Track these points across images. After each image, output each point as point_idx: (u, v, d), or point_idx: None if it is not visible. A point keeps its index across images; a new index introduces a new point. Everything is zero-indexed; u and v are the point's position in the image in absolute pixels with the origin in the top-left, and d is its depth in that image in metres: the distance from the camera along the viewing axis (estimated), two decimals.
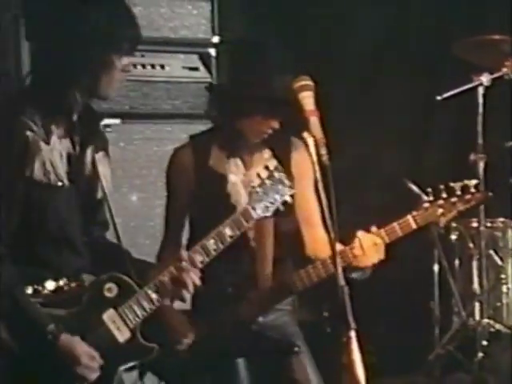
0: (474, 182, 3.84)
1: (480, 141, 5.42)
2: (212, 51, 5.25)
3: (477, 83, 5.42)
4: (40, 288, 3.31)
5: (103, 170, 3.50)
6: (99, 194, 3.49)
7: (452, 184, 3.80)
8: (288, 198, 3.53)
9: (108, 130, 5.08)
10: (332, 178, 3.23)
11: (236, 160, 3.96)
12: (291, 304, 3.98)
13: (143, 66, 5.18)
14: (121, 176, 5.03)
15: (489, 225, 5.56)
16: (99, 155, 3.51)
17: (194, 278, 3.39)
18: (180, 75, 5.23)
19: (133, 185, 5.08)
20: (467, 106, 5.45)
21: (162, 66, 5.22)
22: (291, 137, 3.93)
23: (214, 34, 5.28)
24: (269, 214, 3.52)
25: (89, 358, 3.26)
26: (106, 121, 5.09)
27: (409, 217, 3.80)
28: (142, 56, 5.17)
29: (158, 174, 4.91)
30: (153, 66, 5.20)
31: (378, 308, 5.30)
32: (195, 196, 3.95)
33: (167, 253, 3.98)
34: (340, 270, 3.30)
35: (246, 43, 4.08)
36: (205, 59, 5.26)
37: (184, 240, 4.04)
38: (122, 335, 3.35)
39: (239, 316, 3.84)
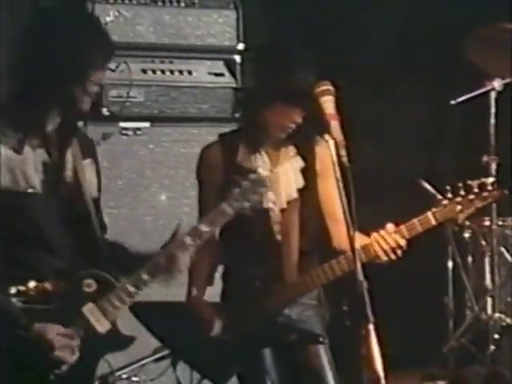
0: (490, 179, 3.82)
1: (492, 142, 5.41)
2: (237, 58, 5.26)
3: (489, 88, 5.41)
4: (23, 288, 3.33)
5: (90, 175, 3.52)
6: (84, 199, 3.49)
7: (470, 182, 3.78)
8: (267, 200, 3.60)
9: (138, 132, 5.11)
10: (351, 178, 3.24)
11: (262, 155, 3.95)
12: (316, 299, 3.97)
13: (171, 72, 5.19)
14: (150, 176, 5.04)
15: (500, 223, 5.55)
16: (86, 162, 3.53)
17: (186, 258, 3.45)
18: (206, 81, 5.24)
19: (161, 185, 5.08)
20: (480, 109, 5.42)
21: (190, 72, 5.22)
22: (315, 134, 3.92)
23: (238, 41, 5.28)
24: (246, 211, 3.54)
25: (64, 338, 3.27)
26: (137, 124, 5.12)
27: (429, 213, 3.79)
28: (171, 62, 5.20)
29: (186, 174, 4.93)
30: (181, 72, 5.21)
31: (394, 302, 5.29)
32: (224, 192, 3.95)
33: (199, 248, 3.98)
34: (359, 265, 3.30)
35: (270, 45, 4.10)
36: (230, 65, 5.26)
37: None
38: (102, 327, 3.36)
39: (266, 308, 3.84)
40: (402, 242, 3.75)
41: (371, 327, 3.19)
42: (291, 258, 3.91)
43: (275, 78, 3.83)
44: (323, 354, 3.88)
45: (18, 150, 3.36)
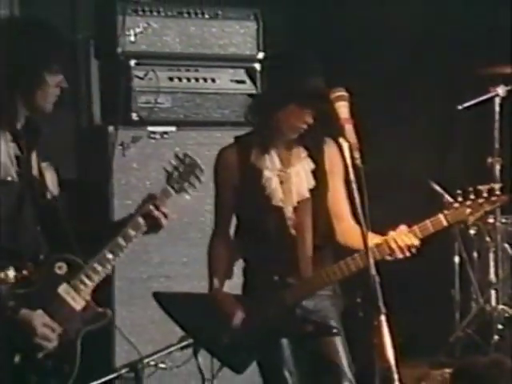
0: (498, 185, 3.83)
1: (497, 145, 5.40)
2: (257, 66, 5.25)
3: (493, 94, 5.39)
4: (3, 275, 3.41)
5: (50, 177, 3.61)
6: (49, 195, 3.59)
7: (479, 187, 3.78)
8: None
9: (165, 136, 5.12)
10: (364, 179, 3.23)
11: (272, 156, 3.94)
12: (332, 290, 3.95)
13: (196, 80, 5.20)
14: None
15: (504, 221, 5.54)
16: (44, 165, 3.60)
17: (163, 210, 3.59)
18: (228, 87, 5.24)
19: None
20: (485, 114, 5.40)
21: (213, 80, 5.23)
22: (324, 136, 3.92)
23: (258, 50, 5.28)
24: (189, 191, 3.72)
25: (45, 328, 3.37)
26: (164, 128, 5.13)
27: (440, 215, 3.78)
28: (196, 71, 5.20)
29: (209, 175, 4.89)
30: (205, 80, 5.21)
31: (405, 295, 5.27)
32: (240, 190, 3.95)
33: (217, 243, 3.98)
34: (372, 261, 3.29)
35: (284, 52, 4.11)
36: (251, 73, 5.26)
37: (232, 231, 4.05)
38: (77, 304, 3.46)
39: (284, 301, 3.83)
40: (416, 242, 3.75)
41: (383, 318, 3.19)
42: (306, 253, 3.90)
43: (288, 81, 3.83)
44: (339, 343, 3.87)
45: None
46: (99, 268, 3.50)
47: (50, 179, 3.61)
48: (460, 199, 3.78)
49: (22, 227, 3.50)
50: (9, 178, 3.46)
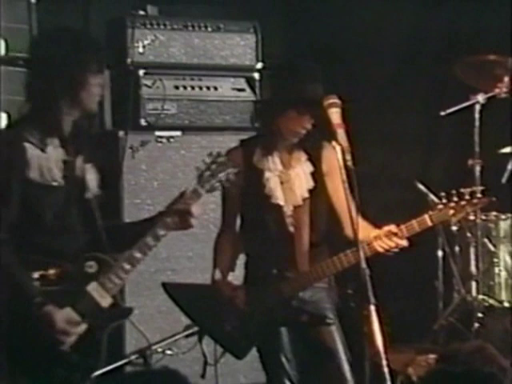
0: (480, 188, 3.84)
1: (477, 149, 5.38)
2: (256, 75, 5.25)
3: (474, 101, 5.38)
4: (44, 272, 3.36)
5: (93, 177, 3.56)
6: (89, 195, 3.54)
7: (462, 190, 3.78)
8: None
9: (171, 140, 5.10)
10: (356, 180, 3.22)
11: (274, 158, 3.94)
12: (327, 282, 3.95)
13: (200, 88, 5.19)
14: (181, 178, 5.03)
15: (484, 218, 5.51)
16: (88, 166, 3.56)
17: (191, 210, 3.47)
18: (229, 95, 5.23)
19: (191, 185, 5.05)
20: (466, 120, 5.39)
21: (215, 88, 5.22)
22: (322, 140, 3.91)
23: (257, 60, 5.27)
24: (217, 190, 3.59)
25: (66, 324, 3.31)
26: (170, 133, 5.12)
27: (426, 216, 3.78)
28: (199, 80, 5.19)
29: None
30: (208, 88, 5.20)
31: (392, 287, 5.25)
32: (243, 190, 3.94)
33: (224, 239, 3.97)
34: (362, 256, 3.28)
35: (284, 62, 4.10)
36: (250, 82, 5.26)
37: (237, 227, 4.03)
38: (105, 302, 3.39)
39: (282, 292, 3.82)
40: (403, 242, 3.75)
41: (372, 308, 3.18)
42: (303, 249, 3.89)
43: (289, 89, 3.83)
44: (335, 331, 3.86)
45: (43, 149, 3.41)
46: (127, 267, 3.42)
47: (93, 180, 3.55)
48: (444, 201, 3.78)
49: (65, 227, 3.44)
50: (54, 183, 3.41)
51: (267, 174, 3.91)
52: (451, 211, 3.78)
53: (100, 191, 3.58)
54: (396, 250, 3.76)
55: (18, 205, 3.36)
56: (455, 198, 3.77)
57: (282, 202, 3.89)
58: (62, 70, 3.41)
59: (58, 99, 3.42)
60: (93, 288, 3.39)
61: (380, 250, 3.74)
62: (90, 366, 3.38)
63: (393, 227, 3.75)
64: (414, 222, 3.77)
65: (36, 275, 3.34)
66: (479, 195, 3.80)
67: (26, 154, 3.37)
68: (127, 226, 3.72)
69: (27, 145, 3.38)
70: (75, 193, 3.48)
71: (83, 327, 3.34)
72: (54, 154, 3.43)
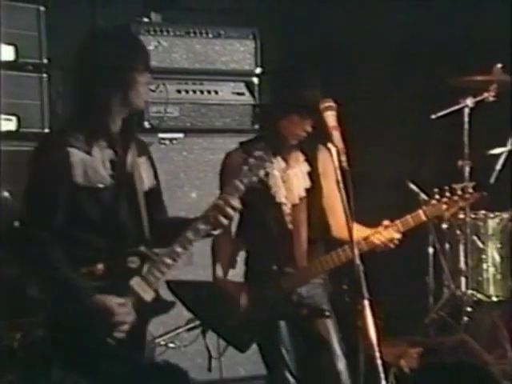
0: (471, 184, 3.84)
1: (466, 150, 5.38)
2: (255, 80, 5.24)
3: (463, 105, 5.37)
4: (92, 269, 3.32)
5: (145, 171, 3.50)
6: (144, 188, 3.47)
7: (454, 185, 3.79)
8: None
9: (174, 142, 5.09)
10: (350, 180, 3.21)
11: (278, 159, 3.92)
12: (323, 278, 3.94)
13: (201, 92, 5.18)
14: (183, 178, 5.03)
15: (473, 216, 5.51)
16: (141, 159, 3.50)
17: (233, 204, 3.36)
18: (230, 99, 5.21)
19: (193, 185, 5.07)
20: (457, 122, 5.38)
21: (216, 92, 5.20)
22: (318, 143, 3.89)
23: (256, 66, 5.25)
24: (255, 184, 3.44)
25: (120, 307, 3.23)
26: (173, 135, 5.11)
27: (420, 211, 3.78)
28: (201, 84, 5.18)
29: (213, 176, 4.85)
30: (209, 92, 5.19)
31: (385, 282, 5.23)
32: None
33: (221, 237, 3.95)
34: (357, 252, 3.27)
35: (286, 67, 4.07)
36: (249, 86, 5.24)
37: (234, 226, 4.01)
38: (148, 296, 3.32)
39: (282, 288, 3.80)
40: (397, 236, 3.73)
41: (366, 303, 3.17)
42: (301, 245, 3.88)
43: (290, 94, 3.81)
44: (330, 324, 3.85)
45: (89, 152, 3.35)
46: (169, 261, 3.33)
47: (146, 173, 3.50)
48: (437, 197, 3.78)
49: (112, 225, 3.38)
50: (100, 185, 3.35)
51: (275, 174, 3.89)
52: (444, 206, 3.78)
53: (156, 182, 3.54)
54: (392, 245, 3.75)
55: (65, 208, 3.30)
56: (448, 194, 3.78)
57: (284, 201, 3.88)
58: (110, 72, 3.33)
59: (108, 101, 3.36)
60: (136, 282, 3.31)
61: (377, 241, 3.72)
62: (133, 359, 3.30)
63: (386, 222, 3.75)
64: (408, 217, 3.77)
65: (83, 272, 3.30)
66: (471, 190, 3.80)
67: (69, 158, 3.30)
68: (169, 221, 3.62)
69: (71, 149, 3.31)
70: (124, 191, 3.41)
71: (134, 316, 3.27)
72: (100, 155, 3.37)
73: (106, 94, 3.35)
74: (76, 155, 3.32)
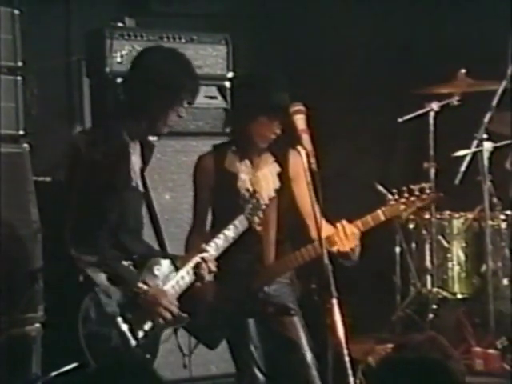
0: (428, 184, 3.87)
1: (432, 152, 5.41)
2: (227, 84, 5.22)
3: (428, 109, 5.40)
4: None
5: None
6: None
7: (412, 186, 3.81)
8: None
9: None
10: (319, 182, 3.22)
11: (246, 161, 3.92)
12: (289, 278, 3.95)
13: None
14: (157, 180, 5.00)
15: (438, 216, 5.55)
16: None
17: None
18: (203, 102, 5.18)
19: (166, 186, 5.05)
20: (422, 126, 5.42)
21: None
22: (288, 146, 3.90)
23: (228, 70, 5.25)
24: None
25: (168, 301, 3.37)
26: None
27: (379, 211, 3.81)
28: None
29: (186, 178, 4.88)
30: None
31: (353, 281, 5.25)
32: (215, 191, 3.92)
33: (194, 237, 3.95)
34: (325, 251, 3.28)
35: (255, 72, 4.09)
36: (222, 90, 5.23)
37: (208, 227, 4.01)
38: None
39: (249, 286, 3.81)
40: (355, 231, 3.75)
41: (334, 301, 3.19)
42: (269, 246, 3.89)
43: (260, 97, 3.81)
44: (298, 323, 3.87)
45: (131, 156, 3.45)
46: (186, 277, 3.50)
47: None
48: (395, 197, 3.81)
49: (137, 229, 3.48)
50: (139, 187, 3.46)
51: (242, 177, 3.89)
52: (402, 206, 3.82)
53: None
54: (347, 248, 3.75)
55: (119, 209, 3.41)
56: (406, 194, 3.80)
57: None
58: (159, 92, 3.42)
59: (141, 116, 3.47)
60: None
61: (337, 241, 3.73)
62: (147, 360, 3.38)
63: (345, 222, 3.76)
64: (368, 216, 3.80)
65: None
66: (428, 191, 3.82)
67: (129, 159, 3.38)
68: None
69: (130, 148, 3.42)
70: (146, 199, 3.55)
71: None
72: (136, 159, 3.44)
73: (144, 113, 3.47)
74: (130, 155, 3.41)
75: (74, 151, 3.40)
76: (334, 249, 3.73)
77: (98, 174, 3.33)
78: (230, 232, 3.62)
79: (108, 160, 3.35)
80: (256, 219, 3.67)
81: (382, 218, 3.81)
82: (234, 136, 4.01)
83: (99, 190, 3.32)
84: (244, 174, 3.90)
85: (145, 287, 3.34)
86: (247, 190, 3.84)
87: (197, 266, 3.52)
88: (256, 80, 3.96)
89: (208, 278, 3.53)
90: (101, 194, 3.32)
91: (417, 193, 3.80)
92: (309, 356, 3.81)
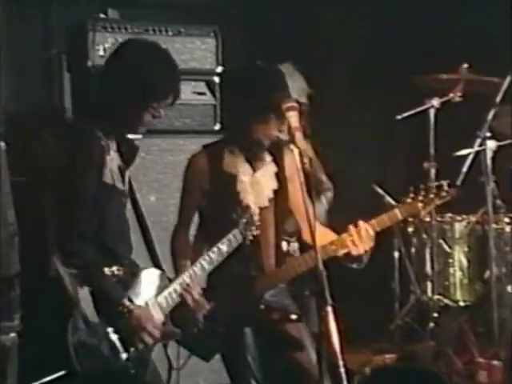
0: (446, 182, 3.86)
1: (432, 152, 5.40)
2: (216, 79, 5.19)
3: (429, 106, 5.39)
4: (109, 272, 3.35)
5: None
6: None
7: (429, 184, 3.82)
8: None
9: None
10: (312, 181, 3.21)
11: (244, 162, 3.91)
12: (286, 284, 3.94)
13: None
14: (142, 180, 4.96)
15: (439, 219, 5.53)
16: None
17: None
18: (190, 98, 5.16)
19: (151, 187, 5.02)
20: (423, 123, 5.41)
21: None
22: (284, 146, 3.88)
23: (217, 64, 5.22)
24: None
25: (152, 325, 3.29)
26: (131, 136, 5.04)
27: (396, 209, 3.80)
28: None
29: (172, 178, 4.86)
30: None
31: (349, 287, 5.24)
32: (209, 193, 3.89)
33: (178, 238, 3.93)
34: (319, 257, 3.27)
35: (255, 69, 4.05)
36: (210, 86, 5.20)
37: (192, 230, 3.98)
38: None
39: (249, 293, 3.79)
40: (371, 232, 3.73)
41: (329, 309, 3.16)
42: (268, 249, 3.87)
43: (261, 96, 3.78)
44: (303, 328, 3.85)
45: (109, 153, 3.38)
46: (179, 290, 3.45)
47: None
48: (412, 195, 3.80)
49: (122, 230, 3.42)
50: (119, 186, 3.38)
51: (243, 179, 3.87)
52: (420, 204, 3.81)
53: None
54: (362, 251, 3.74)
55: (94, 210, 3.34)
56: (423, 192, 3.80)
57: (252, 205, 3.86)
58: (134, 90, 3.37)
59: (118, 114, 3.44)
60: (151, 303, 3.40)
61: (351, 243, 3.72)
62: (136, 375, 3.34)
63: (361, 222, 3.74)
64: (384, 215, 3.78)
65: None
66: (446, 188, 3.82)
67: (103, 155, 3.32)
68: None
69: (104, 144, 3.34)
70: (129, 199, 3.49)
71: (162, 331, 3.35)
72: (115, 156, 3.40)
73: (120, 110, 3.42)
74: (105, 152, 3.35)
75: (44, 149, 3.39)
76: (344, 252, 3.72)
77: (68, 170, 3.29)
78: (224, 246, 3.60)
79: (78, 156, 3.31)
80: (250, 235, 3.65)
81: (400, 216, 3.80)
82: (232, 136, 3.97)
83: (73, 189, 3.28)
84: (244, 176, 3.89)
85: (131, 306, 3.27)
86: (241, 202, 3.82)
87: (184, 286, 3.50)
88: (258, 78, 3.91)
89: (192, 304, 3.52)
90: (75, 193, 3.27)
91: (434, 190, 3.81)
92: (313, 357, 3.79)
